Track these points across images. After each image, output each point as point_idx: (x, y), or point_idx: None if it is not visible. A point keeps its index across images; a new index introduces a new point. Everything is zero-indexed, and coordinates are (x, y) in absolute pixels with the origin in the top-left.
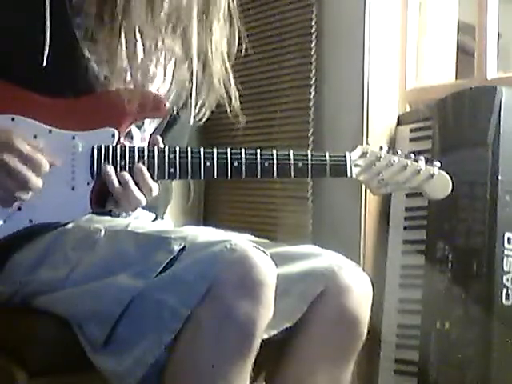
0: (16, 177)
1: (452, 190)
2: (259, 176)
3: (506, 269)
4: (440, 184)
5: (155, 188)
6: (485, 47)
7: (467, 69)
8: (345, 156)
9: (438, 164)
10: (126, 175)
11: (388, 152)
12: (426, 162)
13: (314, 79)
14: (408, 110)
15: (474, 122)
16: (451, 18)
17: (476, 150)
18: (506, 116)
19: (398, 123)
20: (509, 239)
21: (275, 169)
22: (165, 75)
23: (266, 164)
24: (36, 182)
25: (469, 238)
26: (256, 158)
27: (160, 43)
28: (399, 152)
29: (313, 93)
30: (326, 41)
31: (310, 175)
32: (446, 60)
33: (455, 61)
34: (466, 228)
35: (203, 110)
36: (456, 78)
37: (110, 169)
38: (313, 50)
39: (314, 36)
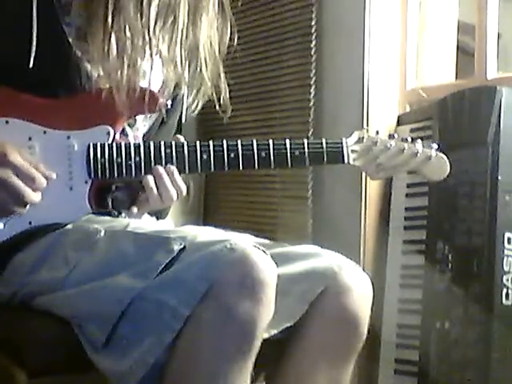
0: (12, 191)
1: (450, 172)
2: (256, 166)
3: (506, 269)
4: (438, 166)
5: (184, 188)
6: (485, 47)
7: (467, 69)
8: (341, 142)
9: (435, 146)
10: (160, 169)
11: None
12: (422, 145)
13: (313, 79)
14: (408, 109)
15: (474, 121)
16: (451, 18)
17: (476, 150)
18: (506, 116)
19: (398, 123)
20: (509, 239)
21: (272, 158)
22: (158, 70)
23: (263, 154)
24: (32, 196)
25: (469, 238)
26: (252, 149)
27: (151, 39)
28: (396, 136)
29: (313, 93)
30: (325, 41)
31: (307, 163)
32: (445, 60)
33: (455, 61)
34: (465, 228)
35: (195, 102)
36: (456, 78)
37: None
38: (313, 50)
39: (313, 36)
